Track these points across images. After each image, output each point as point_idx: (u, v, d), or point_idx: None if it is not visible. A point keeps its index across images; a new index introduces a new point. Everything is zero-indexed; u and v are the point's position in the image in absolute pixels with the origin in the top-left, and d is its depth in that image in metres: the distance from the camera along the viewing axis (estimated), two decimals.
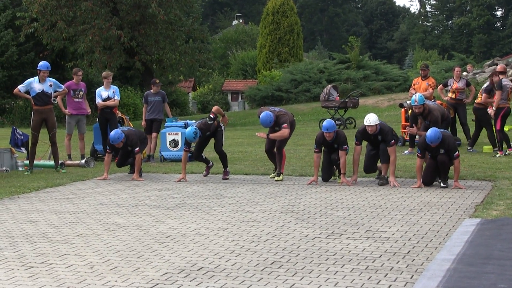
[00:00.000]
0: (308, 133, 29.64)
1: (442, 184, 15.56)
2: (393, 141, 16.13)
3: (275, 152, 17.95)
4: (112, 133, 18.13)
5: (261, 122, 17.52)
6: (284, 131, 17.17)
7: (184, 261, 9.53)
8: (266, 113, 17.24)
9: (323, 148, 16.91)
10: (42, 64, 19.83)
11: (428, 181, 15.81)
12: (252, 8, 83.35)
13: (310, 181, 16.71)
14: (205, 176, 18.67)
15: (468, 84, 22.98)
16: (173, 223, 12.26)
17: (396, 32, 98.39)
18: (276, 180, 17.30)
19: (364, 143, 16.77)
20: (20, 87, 19.69)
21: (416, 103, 17.21)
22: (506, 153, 20.04)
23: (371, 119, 15.87)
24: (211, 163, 18.91)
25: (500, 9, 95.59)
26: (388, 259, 9.43)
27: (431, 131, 14.98)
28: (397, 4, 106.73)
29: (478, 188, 14.85)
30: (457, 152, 15.34)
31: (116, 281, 8.60)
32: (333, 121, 16.86)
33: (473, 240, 10.17)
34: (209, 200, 14.43)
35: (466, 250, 9.59)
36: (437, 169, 15.71)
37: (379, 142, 16.38)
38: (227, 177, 18.19)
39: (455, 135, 22.15)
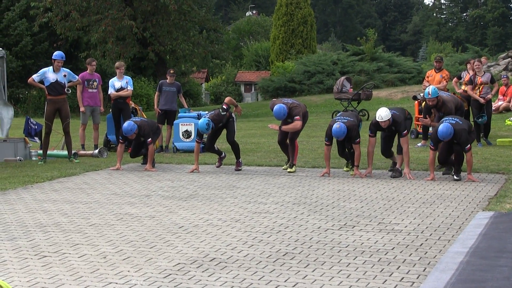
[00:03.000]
0: (321, 124, 29.45)
1: (455, 177, 15.41)
2: (405, 132, 15.95)
3: (287, 143, 17.78)
4: (125, 124, 18.11)
5: (274, 115, 17.28)
6: (297, 123, 16.99)
7: (197, 252, 9.53)
8: (279, 105, 17.01)
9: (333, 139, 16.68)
10: (57, 54, 19.84)
11: (443, 160, 15.83)
12: (266, 2, 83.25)
13: (323, 173, 16.60)
14: (217, 167, 18.54)
15: (493, 81, 22.03)
16: (185, 213, 12.27)
17: (409, 24, 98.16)
18: (289, 172, 17.11)
19: (378, 133, 16.61)
20: (34, 76, 19.66)
21: (429, 96, 16.75)
22: None
23: (382, 115, 15.69)
24: (223, 154, 18.77)
25: None
26: (401, 252, 9.42)
27: (443, 127, 14.77)
28: None
29: (491, 181, 14.80)
30: (469, 145, 15.02)
31: (128, 271, 8.61)
32: (344, 128, 16.06)
33: (486, 233, 10.15)
34: (221, 191, 14.42)
35: (479, 243, 9.57)
36: (451, 149, 15.51)
37: (394, 132, 16.30)
38: (239, 168, 18.19)
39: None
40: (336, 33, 76.68)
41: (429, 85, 21.38)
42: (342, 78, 33.34)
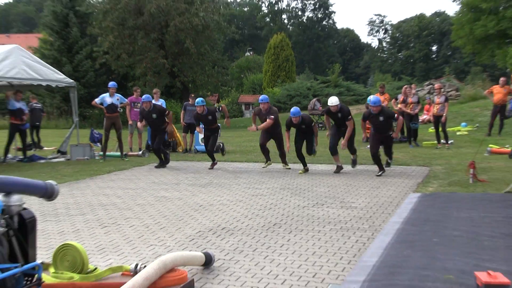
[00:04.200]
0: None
1: (389, 160, 15.34)
2: (350, 117, 15.17)
3: (267, 147, 16.55)
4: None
5: (293, 113, 15.49)
6: (269, 122, 15.87)
7: (212, 223, 9.62)
8: (294, 108, 15.72)
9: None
10: (111, 83, 20.05)
11: (374, 151, 14.75)
12: (259, 44, 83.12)
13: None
14: (210, 169, 16.94)
15: (418, 101, 22.08)
16: (204, 196, 12.29)
17: (361, 61, 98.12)
18: (286, 168, 16.33)
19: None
20: (96, 100, 19.88)
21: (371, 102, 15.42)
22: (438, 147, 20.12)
23: (333, 101, 15.04)
24: (216, 161, 17.31)
25: (435, 45, 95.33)
26: (356, 222, 9.51)
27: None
28: (362, 41, 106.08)
29: (419, 171, 14.87)
30: (350, 117, 15.16)
31: (164, 237, 8.73)
32: (298, 108, 15.80)
33: (415, 208, 10.24)
34: (229, 180, 14.44)
35: (410, 215, 9.67)
36: (380, 142, 14.93)
37: (340, 120, 15.28)
38: (213, 167, 17.12)
39: (403, 134, 22.12)
40: (310, 67, 76.70)
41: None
42: (314, 99, 33.29)
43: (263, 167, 16.68)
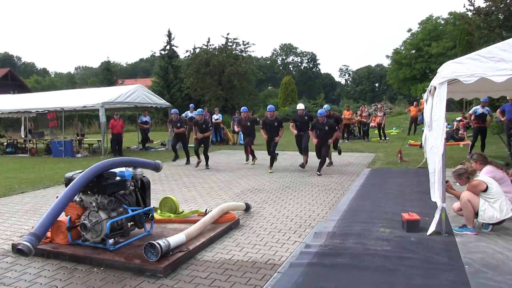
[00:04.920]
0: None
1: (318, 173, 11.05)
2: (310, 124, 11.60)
3: (249, 148, 13.56)
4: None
5: (319, 114, 11.22)
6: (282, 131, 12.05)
7: (249, 186, 9.58)
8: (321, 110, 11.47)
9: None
10: (191, 105, 20.11)
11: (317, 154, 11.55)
12: (275, 82, 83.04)
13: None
14: (196, 167, 13.11)
15: (369, 114, 21.96)
16: (245, 171, 12.27)
17: (335, 91, 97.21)
18: (270, 172, 11.67)
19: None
20: (183, 114, 19.75)
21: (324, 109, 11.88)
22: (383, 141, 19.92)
23: (300, 106, 12.16)
24: (200, 159, 13.26)
25: (377, 83, 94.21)
26: (333, 185, 9.43)
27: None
28: (335, 79, 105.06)
29: (369, 156, 14.73)
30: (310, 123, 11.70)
31: (222, 193, 8.69)
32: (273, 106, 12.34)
33: (367, 177, 10.16)
34: (260, 162, 14.39)
35: (365, 181, 9.60)
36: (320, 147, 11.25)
37: (307, 122, 11.84)
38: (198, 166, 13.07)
39: (360, 133, 21.97)
40: (305, 95, 76.34)
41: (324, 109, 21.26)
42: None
43: (244, 164, 13.77)
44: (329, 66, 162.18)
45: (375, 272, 4.32)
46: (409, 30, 50.34)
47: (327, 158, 11.72)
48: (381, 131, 20.40)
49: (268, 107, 12.48)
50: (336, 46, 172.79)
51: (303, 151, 12.15)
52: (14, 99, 21.97)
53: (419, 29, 49.42)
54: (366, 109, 22.51)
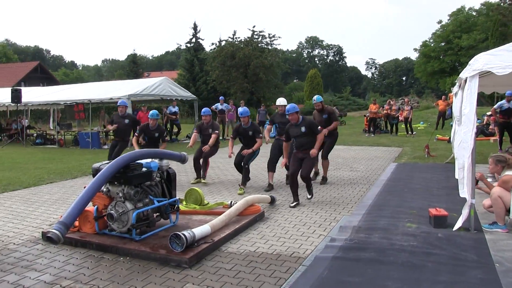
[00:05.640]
0: None
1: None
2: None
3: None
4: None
5: (287, 111, 7.73)
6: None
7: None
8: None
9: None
10: (221, 97, 20.36)
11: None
12: (301, 75, 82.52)
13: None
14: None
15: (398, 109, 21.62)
16: None
17: (361, 85, 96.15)
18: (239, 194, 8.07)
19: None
20: (213, 106, 19.83)
21: (314, 101, 8.99)
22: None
23: (281, 101, 8.93)
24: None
25: (404, 77, 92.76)
26: (359, 179, 9.38)
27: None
28: (362, 73, 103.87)
29: (396, 150, 14.53)
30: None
31: (246, 187, 8.69)
32: (247, 108, 9.02)
33: (394, 172, 10.05)
34: None
35: (391, 176, 9.50)
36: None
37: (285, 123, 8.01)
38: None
39: (386, 127, 21.71)
40: (331, 88, 75.76)
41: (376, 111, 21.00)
42: (334, 107, 32.87)
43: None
44: (355, 59, 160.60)
45: (401, 268, 4.27)
46: (439, 22, 49.11)
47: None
48: (408, 126, 20.13)
49: (240, 110, 8.95)
50: (363, 39, 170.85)
51: (269, 165, 8.62)
52: (43, 91, 22.45)
53: (450, 20, 48.36)
54: (395, 103, 22.31)
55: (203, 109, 9.48)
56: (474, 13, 47.90)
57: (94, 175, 5.14)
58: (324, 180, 9.06)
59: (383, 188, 8.20)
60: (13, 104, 19.11)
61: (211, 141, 9.11)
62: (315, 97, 9.20)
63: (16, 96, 18.30)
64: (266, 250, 4.98)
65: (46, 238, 4.42)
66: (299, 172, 7.15)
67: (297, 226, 5.92)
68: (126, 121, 10.24)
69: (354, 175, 9.91)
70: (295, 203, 7.08)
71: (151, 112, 9.26)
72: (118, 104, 10.33)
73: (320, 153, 8.19)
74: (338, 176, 9.80)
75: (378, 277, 4.07)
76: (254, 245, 5.15)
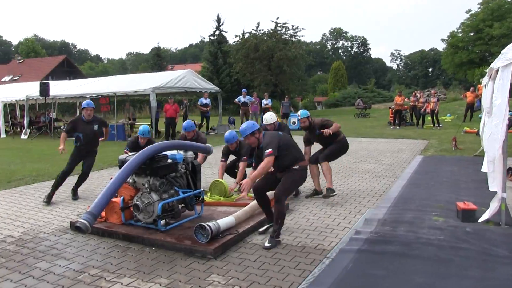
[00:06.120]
0: (348, 121, 29.09)
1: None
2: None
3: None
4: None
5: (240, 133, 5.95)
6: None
7: None
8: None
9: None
10: (244, 90, 20.29)
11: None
12: (325, 67, 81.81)
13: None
14: None
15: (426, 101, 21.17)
16: None
17: (386, 77, 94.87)
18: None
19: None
20: (236, 99, 20.09)
21: (299, 117, 7.09)
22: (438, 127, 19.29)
23: (267, 118, 7.08)
24: None
25: (431, 68, 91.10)
26: (384, 172, 9.27)
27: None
28: (386, 65, 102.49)
29: (422, 143, 14.31)
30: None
31: None
32: (234, 132, 7.11)
33: (420, 165, 9.93)
34: None
35: (417, 169, 9.38)
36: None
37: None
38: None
39: (412, 120, 21.37)
40: (355, 81, 74.97)
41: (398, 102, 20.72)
42: (359, 99, 32.58)
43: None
44: (380, 51, 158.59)
45: (428, 262, 4.22)
46: (468, 11, 47.86)
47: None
48: (435, 118, 19.80)
49: (226, 136, 7.04)
50: (388, 30, 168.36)
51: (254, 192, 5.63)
52: (69, 84, 22.86)
53: (480, 9, 47.11)
54: (423, 95, 21.96)
55: (185, 124, 7.73)
56: (508, 0, 46.40)
57: (120, 167, 5.21)
58: (330, 191, 6.82)
59: (409, 181, 8.11)
60: (41, 98, 19.49)
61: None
62: (299, 112, 7.23)
63: (44, 89, 18.65)
64: (291, 242, 4.98)
65: (75, 227, 4.52)
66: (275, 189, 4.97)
67: (322, 218, 5.90)
68: (95, 127, 7.54)
69: (379, 168, 9.81)
70: (266, 226, 5.35)
71: (141, 128, 7.40)
72: (83, 106, 7.46)
73: (319, 155, 7.13)
74: (363, 169, 9.72)
75: (403, 271, 4.03)
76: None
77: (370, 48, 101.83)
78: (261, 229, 5.35)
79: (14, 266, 4.46)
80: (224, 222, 5.00)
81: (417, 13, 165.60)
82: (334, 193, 6.83)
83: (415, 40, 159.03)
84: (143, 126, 7.52)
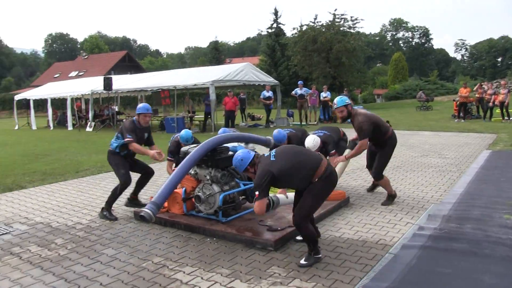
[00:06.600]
0: (407, 112, 28.17)
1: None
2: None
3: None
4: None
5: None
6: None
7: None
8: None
9: None
10: (300, 82, 20.14)
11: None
12: (385, 58, 79.84)
13: None
14: None
15: (494, 93, 20.13)
16: None
17: (449, 68, 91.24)
18: None
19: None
20: (292, 92, 19.88)
21: (335, 105, 5.86)
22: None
23: (310, 146, 6.12)
24: None
25: (500, 57, 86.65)
26: (449, 167, 8.95)
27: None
28: (450, 55, 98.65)
29: (490, 137, 13.64)
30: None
31: None
32: (284, 132, 6.46)
33: (488, 160, 9.48)
34: None
35: (485, 164, 8.96)
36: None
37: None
38: None
39: (478, 113, 20.44)
40: (417, 72, 72.73)
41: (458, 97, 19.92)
42: (420, 91, 31.57)
43: None
44: (443, 41, 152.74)
45: (499, 262, 4.02)
46: None
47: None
48: (504, 110, 18.84)
49: (276, 135, 6.47)
50: (452, 19, 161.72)
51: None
52: (131, 79, 23.61)
53: None
54: (491, 86, 20.97)
55: (184, 135, 6.66)
56: None
57: (182, 158, 5.33)
58: (392, 197, 6.28)
59: (476, 176, 7.77)
60: (105, 92, 20.26)
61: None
62: (335, 100, 6.02)
63: (107, 84, 19.37)
64: (352, 236, 4.92)
65: (139, 217, 4.68)
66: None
67: (383, 213, 5.78)
68: (146, 135, 6.35)
69: (442, 162, 9.47)
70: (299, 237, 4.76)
71: (184, 135, 6.60)
72: (142, 111, 6.06)
73: (370, 170, 6.38)
74: (426, 163, 9.42)
75: (472, 270, 3.88)
76: (340, 231, 5.10)
77: (432, 39, 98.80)
78: (298, 237, 4.78)
79: (83, 251, 4.71)
80: (282, 197, 4.75)
81: None
82: (393, 200, 6.27)
83: (483, 29, 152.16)
84: (185, 131, 6.61)
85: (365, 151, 6.34)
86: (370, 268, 4.04)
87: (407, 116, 23.01)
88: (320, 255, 4.24)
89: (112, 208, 6.09)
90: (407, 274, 3.86)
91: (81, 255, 4.60)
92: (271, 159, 4.11)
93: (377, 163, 6.19)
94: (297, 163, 4.07)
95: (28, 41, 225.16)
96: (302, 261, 4.18)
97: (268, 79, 20.66)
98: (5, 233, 5.41)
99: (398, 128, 16.26)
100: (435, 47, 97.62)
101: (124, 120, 5.84)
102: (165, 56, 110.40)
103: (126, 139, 5.79)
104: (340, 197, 6.11)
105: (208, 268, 4.16)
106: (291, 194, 4.65)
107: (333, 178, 4.18)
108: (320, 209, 5.56)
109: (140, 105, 6.09)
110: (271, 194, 4.43)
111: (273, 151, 4.23)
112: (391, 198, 6.28)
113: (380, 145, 6.17)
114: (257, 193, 4.05)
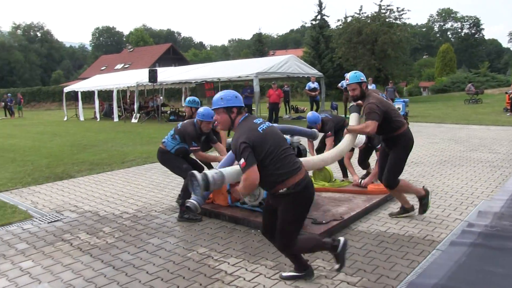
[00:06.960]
0: (454, 105, 27.24)
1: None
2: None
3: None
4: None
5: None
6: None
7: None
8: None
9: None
10: (349, 75, 19.76)
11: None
12: (432, 50, 77.52)
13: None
14: None
15: None
16: None
17: (502, 59, 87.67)
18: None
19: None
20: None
21: (347, 81, 5.24)
22: None
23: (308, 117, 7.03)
24: None
25: None
26: (500, 162, 8.62)
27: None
28: (503, 46, 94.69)
29: None
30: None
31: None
32: (316, 113, 7.14)
33: None
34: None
35: None
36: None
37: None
38: None
39: None
40: (466, 64, 70.33)
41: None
42: (469, 84, 30.53)
43: None
44: (495, 31, 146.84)
45: None
46: None
47: None
48: None
49: (309, 117, 7.12)
50: (506, 8, 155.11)
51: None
52: (175, 71, 23.96)
53: None
54: None
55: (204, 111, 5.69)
56: None
57: (227, 150, 5.37)
58: (405, 211, 5.32)
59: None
60: (150, 84, 20.64)
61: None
62: (348, 75, 5.42)
63: (152, 76, 19.73)
64: (398, 231, 4.84)
65: (185, 207, 4.75)
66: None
67: (431, 208, 5.64)
68: (203, 137, 6.00)
69: (493, 157, 9.14)
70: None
71: (203, 111, 5.68)
72: (204, 118, 5.64)
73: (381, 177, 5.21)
74: (475, 158, 9.12)
75: None
76: (385, 225, 5.03)
77: (483, 29, 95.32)
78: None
79: (130, 240, 4.83)
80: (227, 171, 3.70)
81: None
82: (409, 213, 5.31)
83: None
84: (205, 108, 5.72)
85: (359, 148, 6.79)
86: (417, 264, 3.96)
87: (455, 109, 22.32)
88: (304, 273, 3.69)
89: (161, 194, 6.18)
90: (456, 271, 3.76)
91: (128, 243, 4.73)
92: (259, 130, 3.34)
93: (387, 169, 5.00)
94: (276, 151, 3.36)
95: (77, 34, 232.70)
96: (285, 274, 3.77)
97: (313, 71, 20.49)
98: (56, 220, 5.63)
99: (445, 122, 15.80)
100: (486, 37, 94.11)
101: (181, 123, 5.23)
102: (208, 48, 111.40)
103: (193, 148, 5.64)
104: (385, 191, 5.98)
105: (252, 259, 4.19)
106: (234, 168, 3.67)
107: (307, 195, 3.36)
108: (365, 203, 5.52)
109: (203, 111, 5.63)
110: (211, 170, 3.47)
111: (265, 123, 3.46)
112: (404, 211, 5.26)
113: (389, 142, 5.05)
114: (242, 161, 3.17)
